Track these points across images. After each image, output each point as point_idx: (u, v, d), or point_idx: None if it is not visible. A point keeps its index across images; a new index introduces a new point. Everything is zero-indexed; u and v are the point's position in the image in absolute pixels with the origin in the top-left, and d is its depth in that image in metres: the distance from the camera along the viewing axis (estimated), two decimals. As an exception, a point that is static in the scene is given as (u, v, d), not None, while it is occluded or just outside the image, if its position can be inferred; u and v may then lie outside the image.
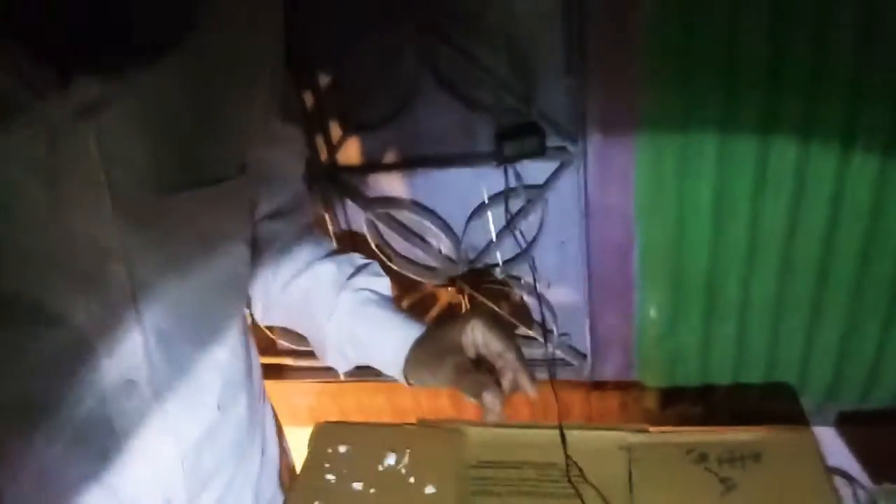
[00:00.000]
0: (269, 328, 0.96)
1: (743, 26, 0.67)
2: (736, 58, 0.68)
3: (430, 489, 0.68)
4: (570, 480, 0.68)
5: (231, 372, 0.57)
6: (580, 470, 0.68)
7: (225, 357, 0.56)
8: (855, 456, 0.81)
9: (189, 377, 0.52)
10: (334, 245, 0.71)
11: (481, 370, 0.60)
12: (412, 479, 0.69)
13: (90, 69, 0.39)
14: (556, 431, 0.71)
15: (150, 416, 0.50)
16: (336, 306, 0.65)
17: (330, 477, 0.70)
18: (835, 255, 0.77)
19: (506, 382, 0.60)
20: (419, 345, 0.63)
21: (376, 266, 0.70)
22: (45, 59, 0.38)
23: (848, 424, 0.84)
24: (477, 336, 0.60)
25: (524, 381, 0.59)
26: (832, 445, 0.83)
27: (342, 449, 0.73)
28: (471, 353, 0.61)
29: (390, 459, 0.71)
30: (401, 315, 0.66)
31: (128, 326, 0.47)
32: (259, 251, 0.64)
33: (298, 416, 1.03)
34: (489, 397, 0.56)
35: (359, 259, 0.69)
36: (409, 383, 0.65)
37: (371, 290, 0.66)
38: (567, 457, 0.69)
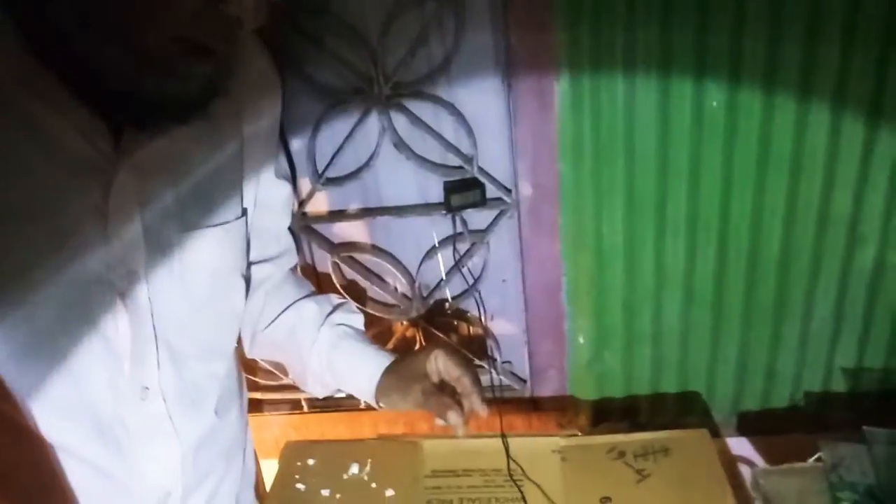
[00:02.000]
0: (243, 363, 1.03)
1: (638, 109, 0.83)
2: (632, 133, 0.84)
3: (390, 492, 0.77)
4: (512, 480, 0.78)
5: (227, 384, 0.66)
6: (521, 471, 0.79)
7: (223, 371, 0.64)
8: (755, 447, 0.96)
9: (193, 386, 0.60)
10: (313, 287, 0.81)
11: (444, 393, 0.70)
12: (374, 485, 0.78)
13: (136, 130, 0.49)
14: (500, 441, 0.82)
15: (158, 418, 0.58)
16: (317, 339, 0.73)
17: (300, 486, 0.79)
18: (726, 285, 0.91)
19: (465, 403, 0.69)
20: (389, 372, 0.72)
21: (351, 305, 0.80)
22: (102, 120, 0.48)
23: (751, 424, 0.97)
24: (439, 364, 0.70)
25: (476, 402, 0.69)
26: (739, 441, 0.97)
27: (310, 462, 0.82)
28: (434, 378, 0.70)
29: (354, 469, 0.80)
30: (373, 347, 0.75)
31: (146, 339, 0.55)
32: (250, 292, 0.73)
33: (265, 448, 1.08)
34: (453, 416, 0.66)
35: (336, 299, 0.79)
36: (379, 406, 0.74)
37: (347, 325, 0.76)
38: (509, 460, 0.80)
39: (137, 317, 0.54)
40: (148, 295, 0.55)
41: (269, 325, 0.74)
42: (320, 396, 0.79)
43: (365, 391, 0.73)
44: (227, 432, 0.68)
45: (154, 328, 0.56)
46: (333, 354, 0.73)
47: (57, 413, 0.52)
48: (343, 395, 0.82)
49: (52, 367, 0.51)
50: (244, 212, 0.63)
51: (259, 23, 0.47)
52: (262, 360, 0.99)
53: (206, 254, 0.59)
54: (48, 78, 0.46)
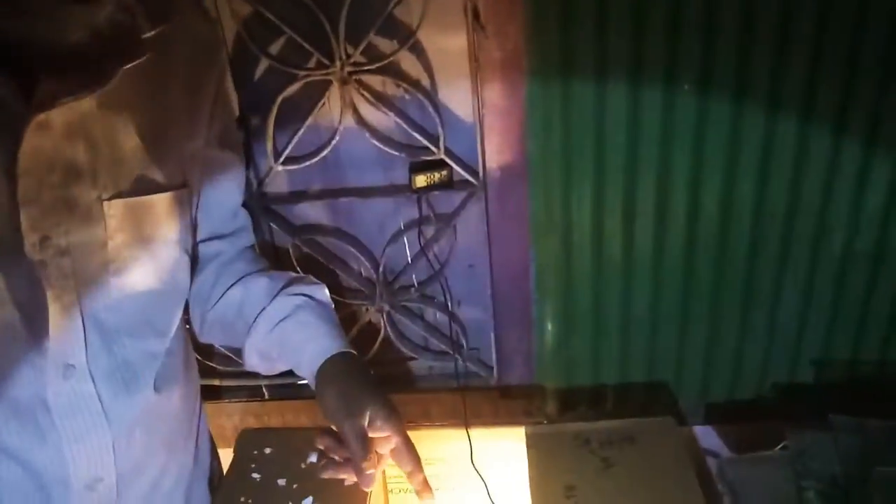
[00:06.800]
0: (199, 349, 0.99)
1: (608, 88, 0.81)
2: (603, 114, 0.82)
3: (349, 482, 0.74)
4: (475, 469, 0.76)
5: (168, 364, 0.61)
6: (486, 459, 0.77)
7: (161, 351, 0.60)
8: (721, 436, 0.95)
9: (125, 365, 0.56)
10: (268, 264, 0.76)
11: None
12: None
13: (49, 87, 0.45)
14: (465, 429, 0.80)
15: (85, 398, 0.54)
16: (267, 307, 0.67)
17: (255, 476, 0.76)
18: (695, 272, 0.90)
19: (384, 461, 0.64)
20: (334, 376, 0.64)
21: (312, 278, 0.74)
22: (13, 78, 0.44)
23: (718, 413, 0.97)
24: (377, 419, 0.62)
25: (368, 477, 0.61)
26: (706, 430, 0.97)
27: (267, 451, 0.79)
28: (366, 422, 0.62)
29: (312, 458, 0.77)
30: (330, 325, 0.67)
31: (71, 315, 0.51)
32: (199, 269, 0.69)
33: (224, 437, 1.04)
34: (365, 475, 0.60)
35: (293, 274, 0.74)
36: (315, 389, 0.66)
37: (307, 296, 0.69)
38: (472, 448, 0.78)
39: (59, 289, 0.50)
40: (72, 266, 0.50)
41: (217, 301, 0.69)
42: (263, 373, 0.72)
43: (305, 370, 0.66)
44: (169, 417, 0.63)
45: (79, 302, 0.52)
46: (284, 323, 0.66)
47: None
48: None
49: None
50: (185, 184, 0.59)
51: None
52: (217, 345, 0.95)
53: (134, 224, 0.54)
54: None
